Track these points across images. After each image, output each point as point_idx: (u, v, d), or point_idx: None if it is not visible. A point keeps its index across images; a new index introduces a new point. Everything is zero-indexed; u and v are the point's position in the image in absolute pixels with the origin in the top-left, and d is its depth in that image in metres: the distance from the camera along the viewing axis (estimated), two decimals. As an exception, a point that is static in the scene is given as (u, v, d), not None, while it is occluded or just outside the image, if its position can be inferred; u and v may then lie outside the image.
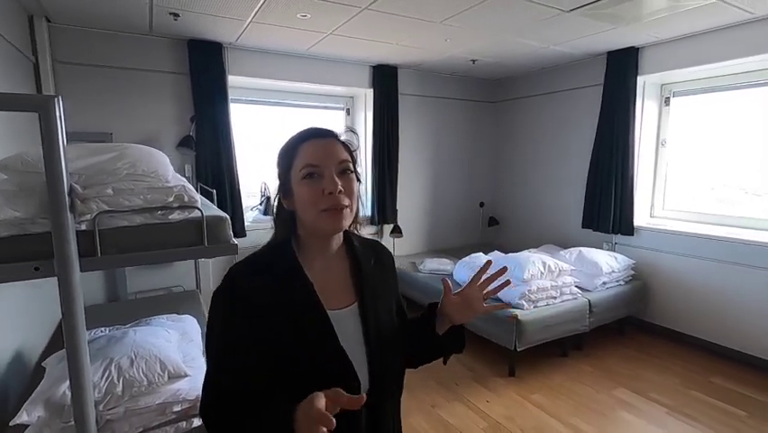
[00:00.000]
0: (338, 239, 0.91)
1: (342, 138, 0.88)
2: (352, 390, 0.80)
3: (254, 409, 0.75)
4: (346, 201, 0.82)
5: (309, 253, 0.88)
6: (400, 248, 4.42)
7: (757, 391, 2.72)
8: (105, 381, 1.44)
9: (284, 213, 0.89)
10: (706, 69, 3.19)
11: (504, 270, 0.97)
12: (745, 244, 3.00)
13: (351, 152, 0.87)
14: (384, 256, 1.01)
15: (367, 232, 4.25)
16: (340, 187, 0.81)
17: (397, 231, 4.26)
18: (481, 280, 0.94)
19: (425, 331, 0.97)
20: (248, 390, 0.78)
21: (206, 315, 2.90)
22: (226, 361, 0.80)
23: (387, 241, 4.35)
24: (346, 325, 0.85)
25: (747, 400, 2.62)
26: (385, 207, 4.20)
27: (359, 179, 0.87)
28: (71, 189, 1.25)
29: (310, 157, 0.82)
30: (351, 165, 0.85)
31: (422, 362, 1.04)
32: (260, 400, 0.76)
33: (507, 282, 0.97)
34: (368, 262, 0.93)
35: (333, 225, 0.83)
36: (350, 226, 0.88)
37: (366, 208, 4.30)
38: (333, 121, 4.33)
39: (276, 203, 0.91)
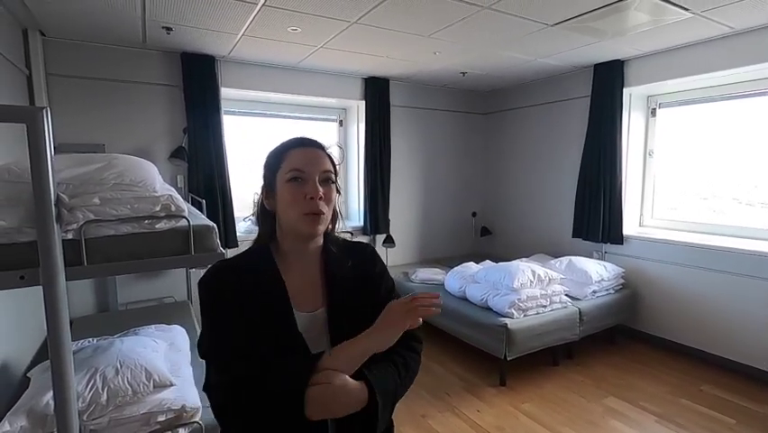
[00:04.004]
0: (316, 243, 0.93)
1: (329, 150, 0.93)
2: None
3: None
4: (324, 208, 0.87)
5: (287, 256, 0.91)
6: (393, 258, 4.43)
7: (746, 398, 2.73)
8: (90, 390, 1.44)
9: (266, 213, 0.93)
10: (690, 80, 3.26)
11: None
12: (735, 252, 3.03)
13: (334, 165, 0.92)
14: (363, 258, 1.00)
15: (359, 242, 4.26)
16: (321, 194, 0.85)
17: (389, 241, 4.28)
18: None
19: None
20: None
21: (197, 325, 2.87)
22: (229, 345, 0.82)
23: (379, 251, 4.36)
24: (315, 328, 0.88)
25: (736, 408, 2.63)
26: (377, 218, 4.22)
27: (338, 191, 0.91)
28: (58, 199, 1.26)
29: (297, 162, 0.87)
30: (333, 176, 0.90)
31: None
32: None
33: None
34: (342, 267, 0.94)
35: (310, 228, 0.87)
36: (328, 232, 0.93)
37: (359, 219, 4.32)
38: (327, 132, 4.37)
39: (259, 202, 0.95)
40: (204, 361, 0.85)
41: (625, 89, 3.54)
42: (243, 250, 0.95)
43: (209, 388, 0.83)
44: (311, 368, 0.78)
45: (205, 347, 0.85)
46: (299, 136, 0.93)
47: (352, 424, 0.81)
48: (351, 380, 0.79)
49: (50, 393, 1.33)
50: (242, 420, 0.78)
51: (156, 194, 1.39)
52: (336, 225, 0.97)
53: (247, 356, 0.80)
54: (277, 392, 0.76)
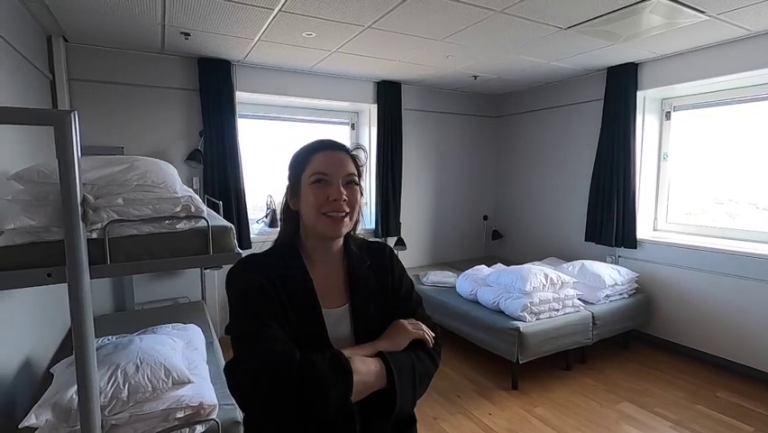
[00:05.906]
0: (338, 243, 0.96)
1: (353, 153, 0.95)
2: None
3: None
4: (347, 209, 0.89)
5: (311, 254, 0.94)
6: (404, 261, 4.39)
7: (763, 405, 2.68)
8: (111, 386, 1.48)
9: (290, 212, 0.95)
10: (705, 83, 3.22)
11: None
12: (750, 257, 2.99)
13: (358, 167, 0.94)
14: (382, 258, 1.02)
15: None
16: (344, 196, 0.87)
17: (400, 244, 4.30)
18: None
19: None
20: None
21: (211, 325, 2.91)
22: (266, 327, 0.82)
23: (390, 253, 4.37)
24: (340, 324, 0.90)
25: (754, 415, 2.58)
26: (388, 220, 4.24)
27: (362, 193, 0.93)
28: (84, 199, 1.30)
29: (321, 165, 0.89)
30: (356, 178, 0.92)
31: None
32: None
33: None
34: (361, 265, 0.97)
35: (332, 230, 0.89)
36: (350, 232, 0.95)
37: (370, 221, 4.34)
38: (339, 135, 4.41)
39: (283, 202, 0.97)
40: (234, 346, 0.85)
41: (638, 92, 3.52)
42: (268, 247, 0.97)
43: (237, 363, 0.82)
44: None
45: (237, 330, 0.85)
46: (325, 139, 0.95)
47: (376, 403, 0.83)
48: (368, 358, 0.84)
49: (74, 388, 1.36)
50: (276, 397, 0.76)
51: (177, 195, 1.43)
52: (358, 227, 0.99)
53: (281, 340, 0.81)
54: (323, 367, 0.78)
